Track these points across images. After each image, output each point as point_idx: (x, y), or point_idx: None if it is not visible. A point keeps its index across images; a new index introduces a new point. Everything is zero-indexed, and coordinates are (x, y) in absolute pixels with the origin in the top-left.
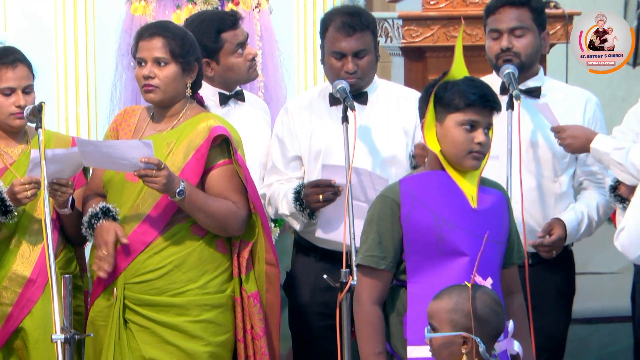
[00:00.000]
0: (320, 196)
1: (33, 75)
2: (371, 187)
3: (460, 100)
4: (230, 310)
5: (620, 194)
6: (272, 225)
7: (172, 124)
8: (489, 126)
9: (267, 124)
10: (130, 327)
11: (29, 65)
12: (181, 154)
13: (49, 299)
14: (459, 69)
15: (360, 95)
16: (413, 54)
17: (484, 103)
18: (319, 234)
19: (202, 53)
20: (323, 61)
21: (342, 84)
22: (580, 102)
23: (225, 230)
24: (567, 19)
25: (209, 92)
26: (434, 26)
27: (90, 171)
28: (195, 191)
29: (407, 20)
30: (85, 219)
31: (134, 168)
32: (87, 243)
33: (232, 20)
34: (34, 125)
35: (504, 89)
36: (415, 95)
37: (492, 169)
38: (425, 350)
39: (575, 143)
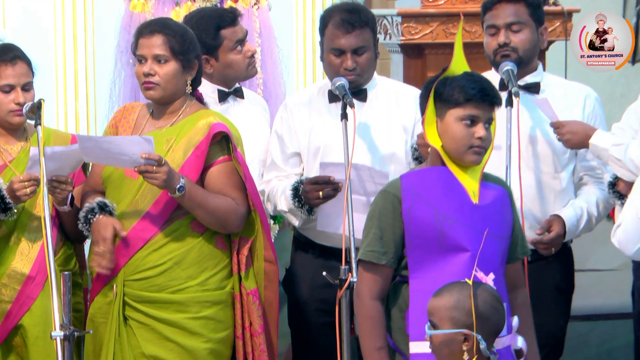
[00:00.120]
0: (320, 193)
1: (32, 73)
2: (370, 180)
3: (460, 95)
4: (230, 307)
5: (618, 190)
6: (272, 222)
7: (171, 120)
8: (489, 121)
9: (266, 121)
10: (130, 324)
11: (28, 63)
12: (181, 150)
13: (48, 296)
14: (459, 64)
15: (359, 93)
16: (412, 51)
17: (484, 97)
18: (319, 228)
19: (201, 50)
20: (322, 58)
21: (341, 81)
22: (580, 97)
23: (224, 227)
24: (566, 15)
25: (208, 89)
26: (433, 23)
27: (90, 168)
28: (195, 188)
29: (406, 17)
30: (82, 214)
31: (134, 164)
32: (87, 240)
33: (231, 17)
34: (33, 122)
35: (502, 86)
36: (414, 92)
37: (495, 160)
38: (427, 346)
39: (574, 139)
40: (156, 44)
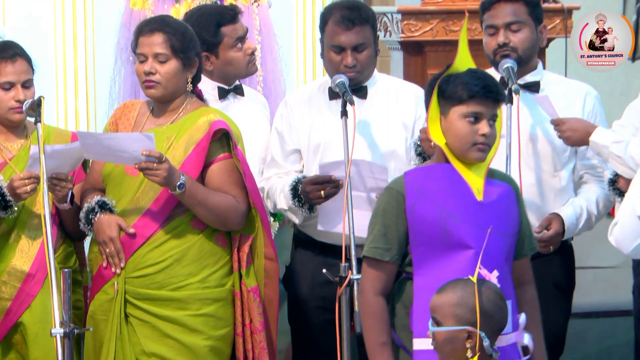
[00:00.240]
0: (322, 192)
1: (32, 70)
2: (370, 176)
3: (463, 92)
4: (230, 304)
5: (619, 187)
6: (271, 219)
7: (172, 118)
8: (494, 117)
9: (266, 118)
10: (130, 322)
11: (28, 60)
12: (181, 148)
13: (48, 294)
14: (463, 61)
15: (359, 90)
16: (412, 49)
17: (487, 94)
18: (319, 227)
19: (201, 47)
20: (322, 55)
21: (341, 79)
22: (580, 95)
23: (225, 225)
24: (566, 13)
25: (208, 86)
26: (433, 20)
27: (90, 165)
28: (196, 185)
29: (406, 14)
30: (82, 214)
31: (135, 161)
32: (87, 238)
33: (231, 15)
34: (33, 119)
35: (502, 84)
36: (414, 89)
37: (494, 158)
38: (430, 343)
39: (574, 136)
40: (157, 43)
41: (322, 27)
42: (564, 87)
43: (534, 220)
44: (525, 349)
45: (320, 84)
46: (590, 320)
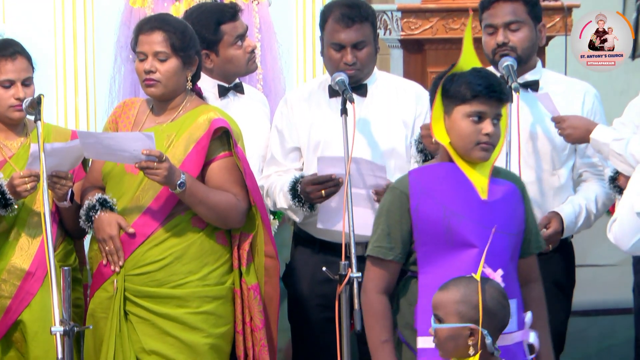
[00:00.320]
0: (323, 192)
1: (32, 68)
2: (370, 174)
3: (467, 91)
4: (230, 302)
5: (619, 185)
6: (272, 217)
7: (172, 116)
8: (498, 117)
9: (266, 116)
10: (130, 319)
11: (28, 58)
12: (181, 146)
13: (47, 292)
14: (467, 60)
15: (359, 87)
16: (412, 47)
17: (490, 94)
18: (319, 225)
19: (201, 45)
20: (322, 53)
21: (341, 77)
22: (579, 93)
23: (225, 223)
24: (565, 11)
25: (207, 84)
26: (432, 18)
27: (90, 164)
28: (196, 183)
29: (406, 12)
30: (83, 211)
31: (135, 160)
32: (86, 236)
33: (231, 13)
34: (33, 117)
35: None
36: (414, 87)
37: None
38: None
39: (575, 133)
40: (156, 41)
41: (322, 24)
42: (563, 86)
43: None
44: (531, 348)
45: (320, 82)
46: (590, 319)
